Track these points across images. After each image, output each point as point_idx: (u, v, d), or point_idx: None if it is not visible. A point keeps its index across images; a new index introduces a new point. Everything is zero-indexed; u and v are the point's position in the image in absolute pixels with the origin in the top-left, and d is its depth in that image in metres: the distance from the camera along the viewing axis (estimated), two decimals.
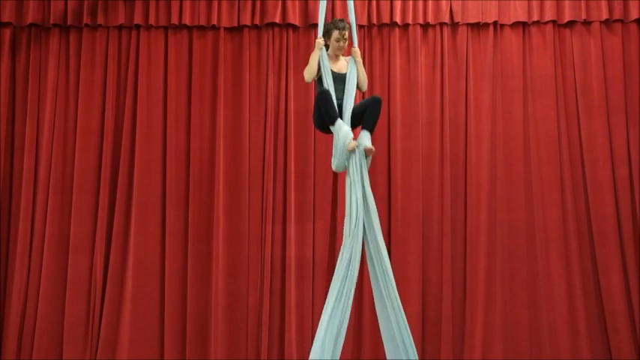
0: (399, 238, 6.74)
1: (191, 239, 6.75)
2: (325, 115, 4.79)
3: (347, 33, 4.97)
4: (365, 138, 4.80)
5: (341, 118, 4.82)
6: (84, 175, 6.83)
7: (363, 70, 5.06)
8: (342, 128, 4.73)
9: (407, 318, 6.50)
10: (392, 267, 6.63)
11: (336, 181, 6.82)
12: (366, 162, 4.80)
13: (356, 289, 6.61)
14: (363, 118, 4.86)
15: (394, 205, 6.78)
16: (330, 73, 4.88)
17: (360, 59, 5.02)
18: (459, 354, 6.60)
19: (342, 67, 4.99)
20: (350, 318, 6.51)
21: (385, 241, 6.63)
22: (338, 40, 4.95)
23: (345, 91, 4.88)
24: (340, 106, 4.86)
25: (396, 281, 6.64)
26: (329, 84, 4.84)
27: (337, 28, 4.95)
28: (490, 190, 6.81)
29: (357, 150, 4.73)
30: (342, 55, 5.06)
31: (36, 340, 6.58)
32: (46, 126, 6.89)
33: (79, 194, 6.80)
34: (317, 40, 4.92)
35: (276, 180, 6.84)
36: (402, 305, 6.53)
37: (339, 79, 4.91)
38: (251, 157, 6.90)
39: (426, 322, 6.65)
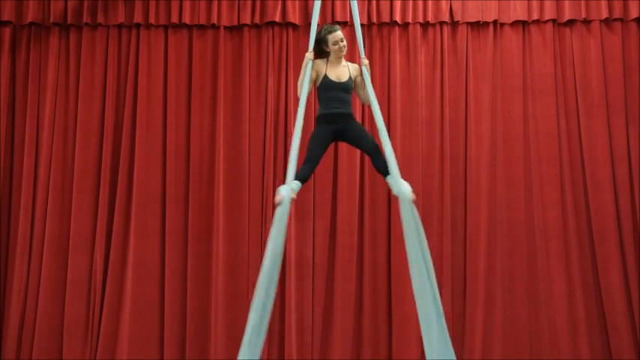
0: (398, 237, 6.72)
1: (191, 238, 6.75)
2: (303, 165, 4.65)
3: (340, 33, 4.77)
4: (402, 185, 4.46)
5: (336, 131, 4.69)
6: (84, 174, 6.83)
7: (370, 84, 4.87)
8: (283, 188, 4.55)
9: (407, 317, 6.59)
10: (392, 266, 6.72)
11: (336, 180, 6.83)
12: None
13: (356, 289, 6.71)
14: (374, 164, 4.70)
15: (394, 205, 6.76)
16: (306, 91, 4.67)
17: (369, 72, 4.85)
18: (459, 353, 6.57)
19: (341, 75, 4.78)
20: (350, 318, 6.62)
21: (385, 241, 6.76)
22: (335, 44, 4.75)
23: (372, 108, 4.68)
24: (336, 114, 4.68)
25: (395, 281, 6.69)
26: (304, 104, 4.63)
27: (330, 32, 4.77)
28: (490, 189, 6.81)
29: (282, 204, 4.49)
30: (345, 59, 4.87)
31: (36, 340, 6.58)
32: (46, 125, 6.89)
33: (79, 193, 6.80)
34: (306, 55, 4.77)
35: (276, 179, 6.84)
36: (402, 304, 6.60)
37: (337, 88, 4.73)
38: (251, 156, 6.90)
39: None
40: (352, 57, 6.93)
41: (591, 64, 6.89)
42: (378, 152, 4.71)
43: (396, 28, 7.01)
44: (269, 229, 6.66)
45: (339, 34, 4.78)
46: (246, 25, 7.02)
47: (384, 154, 4.59)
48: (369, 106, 4.87)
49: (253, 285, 6.64)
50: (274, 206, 6.71)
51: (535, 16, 6.95)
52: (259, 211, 6.81)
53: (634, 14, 6.88)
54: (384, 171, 4.63)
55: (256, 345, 4.34)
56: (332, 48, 4.79)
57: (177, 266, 6.73)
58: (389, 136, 6.75)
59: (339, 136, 4.81)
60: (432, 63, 6.99)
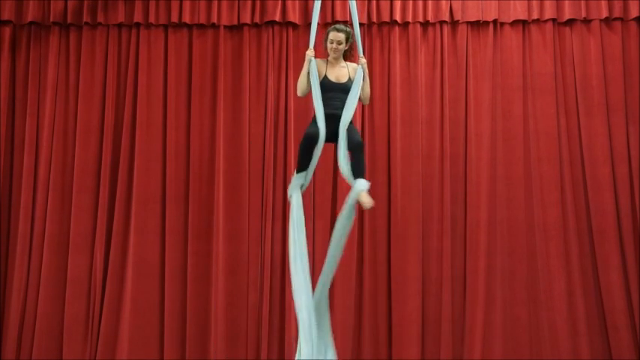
0: (398, 236, 6.74)
1: (191, 238, 6.75)
2: (299, 159, 4.71)
3: (341, 35, 4.76)
4: (362, 185, 4.58)
5: (334, 132, 4.64)
6: (84, 174, 6.83)
7: (368, 83, 4.88)
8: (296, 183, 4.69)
9: (407, 316, 6.59)
10: (392, 265, 6.72)
11: (336, 179, 6.81)
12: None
13: (356, 288, 6.70)
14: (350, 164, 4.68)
15: (394, 204, 6.78)
16: (317, 84, 4.67)
17: (367, 71, 4.84)
18: (459, 352, 6.60)
19: (340, 76, 4.77)
20: (350, 318, 6.62)
21: (385, 240, 6.76)
22: (332, 42, 4.75)
23: (346, 103, 4.67)
24: (335, 116, 4.65)
25: (395, 280, 6.69)
26: (319, 96, 4.65)
27: (331, 30, 4.79)
28: (490, 189, 6.81)
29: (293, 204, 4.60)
30: (345, 60, 4.86)
31: (36, 339, 6.59)
32: (46, 124, 6.89)
33: (79, 192, 6.81)
34: (306, 52, 4.75)
35: (276, 178, 6.84)
36: (402, 303, 6.61)
37: (336, 89, 4.72)
38: (251, 155, 6.90)
39: (425, 321, 6.64)
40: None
41: (591, 63, 6.89)
42: (357, 150, 4.66)
43: (396, 28, 7.01)
44: (269, 227, 6.75)
45: (337, 35, 4.77)
46: (246, 24, 7.02)
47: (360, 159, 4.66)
48: (367, 106, 4.86)
49: (253, 284, 6.72)
50: (275, 203, 6.80)
51: (535, 16, 6.94)
52: (259, 211, 6.80)
53: (634, 13, 6.88)
54: (353, 171, 4.64)
55: (315, 344, 4.49)
56: (327, 45, 4.80)
57: (177, 266, 6.73)
58: (389, 135, 6.90)
59: (332, 136, 4.73)
60: (432, 62, 6.99)
